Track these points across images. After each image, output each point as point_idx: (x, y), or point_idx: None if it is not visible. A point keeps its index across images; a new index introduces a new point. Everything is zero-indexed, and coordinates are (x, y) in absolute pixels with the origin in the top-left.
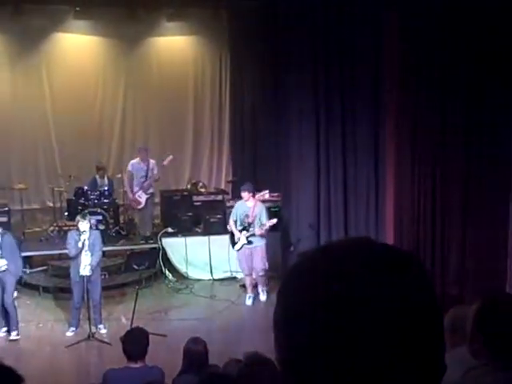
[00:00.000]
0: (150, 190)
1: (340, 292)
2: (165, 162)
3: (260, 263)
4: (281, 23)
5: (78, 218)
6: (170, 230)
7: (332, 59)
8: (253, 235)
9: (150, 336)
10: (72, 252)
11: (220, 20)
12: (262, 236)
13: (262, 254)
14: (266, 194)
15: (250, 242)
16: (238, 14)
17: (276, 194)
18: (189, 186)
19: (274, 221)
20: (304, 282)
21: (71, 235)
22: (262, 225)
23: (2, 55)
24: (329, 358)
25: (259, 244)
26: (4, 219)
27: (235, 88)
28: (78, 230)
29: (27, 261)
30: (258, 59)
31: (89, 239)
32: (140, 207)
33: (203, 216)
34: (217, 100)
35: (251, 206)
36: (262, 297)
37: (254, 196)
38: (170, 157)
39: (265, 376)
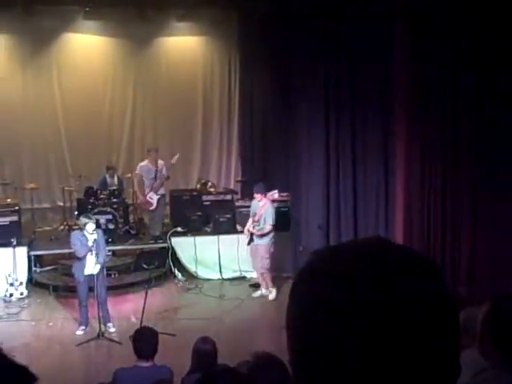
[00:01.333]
0: (161, 191)
1: (348, 294)
2: (173, 161)
3: (260, 261)
4: (291, 25)
5: (84, 219)
6: (179, 229)
7: (343, 63)
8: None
9: (160, 335)
10: (81, 252)
11: (230, 21)
12: (263, 235)
13: (262, 253)
14: (275, 194)
15: (251, 240)
16: (247, 15)
17: (285, 194)
18: (198, 186)
19: (267, 229)
20: (313, 282)
21: (75, 236)
22: (261, 227)
23: (14, 56)
24: (338, 360)
25: (261, 243)
26: (15, 218)
27: (244, 88)
28: (81, 230)
29: (37, 260)
30: (268, 60)
31: (95, 239)
32: (152, 208)
33: (212, 215)
34: (226, 100)
35: (260, 206)
36: (270, 296)
37: (266, 196)
38: (177, 155)
39: (273, 377)
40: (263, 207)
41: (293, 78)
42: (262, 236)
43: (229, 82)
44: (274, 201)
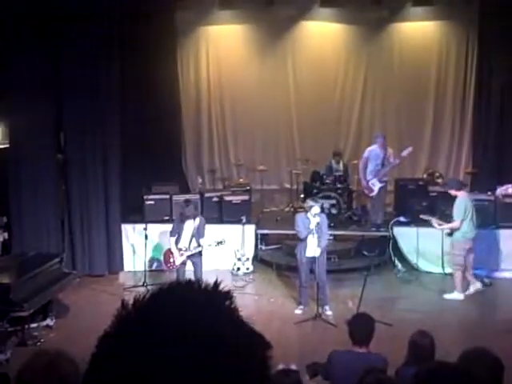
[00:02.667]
0: (385, 179)
1: None
2: (404, 153)
3: (451, 258)
4: None
5: (310, 202)
6: (402, 219)
7: None
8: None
9: (376, 323)
10: (303, 234)
11: (469, 3)
12: (453, 230)
13: (454, 250)
14: (509, 188)
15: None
16: None
17: None
18: (425, 176)
19: (452, 224)
20: None
21: (300, 218)
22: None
23: (252, 45)
24: None
25: (452, 239)
26: (246, 198)
27: (481, 74)
28: (306, 212)
29: (263, 238)
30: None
31: (318, 222)
32: (372, 195)
33: (439, 207)
34: (460, 87)
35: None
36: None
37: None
38: (410, 148)
39: (486, 369)
40: (455, 202)
41: None
42: (451, 232)
43: (465, 69)
44: (506, 195)
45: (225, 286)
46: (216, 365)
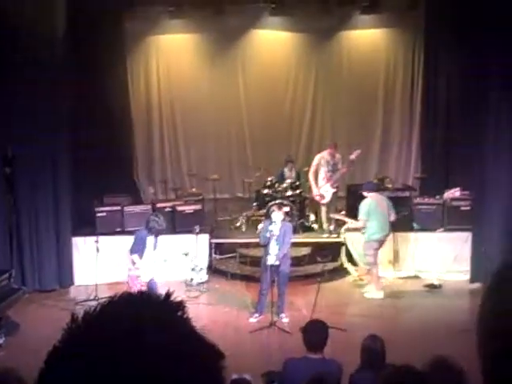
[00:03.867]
0: (336, 184)
1: None
2: (352, 156)
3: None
4: (485, 10)
5: (274, 208)
6: (353, 224)
7: None
8: None
9: (330, 329)
10: (261, 241)
11: (416, 9)
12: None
13: (364, 249)
14: (456, 192)
15: None
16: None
17: (467, 193)
18: (375, 181)
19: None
20: None
21: (264, 224)
22: None
23: (202, 53)
24: None
25: (363, 238)
26: (198, 207)
27: (428, 82)
28: (270, 219)
29: (217, 247)
30: (457, 50)
31: (280, 230)
32: (324, 201)
33: None
34: (408, 95)
35: None
36: (367, 294)
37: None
38: (358, 151)
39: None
40: (361, 202)
41: (484, 68)
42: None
43: (412, 76)
44: (454, 199)
45: (177, 296)
46: (169, 377)
